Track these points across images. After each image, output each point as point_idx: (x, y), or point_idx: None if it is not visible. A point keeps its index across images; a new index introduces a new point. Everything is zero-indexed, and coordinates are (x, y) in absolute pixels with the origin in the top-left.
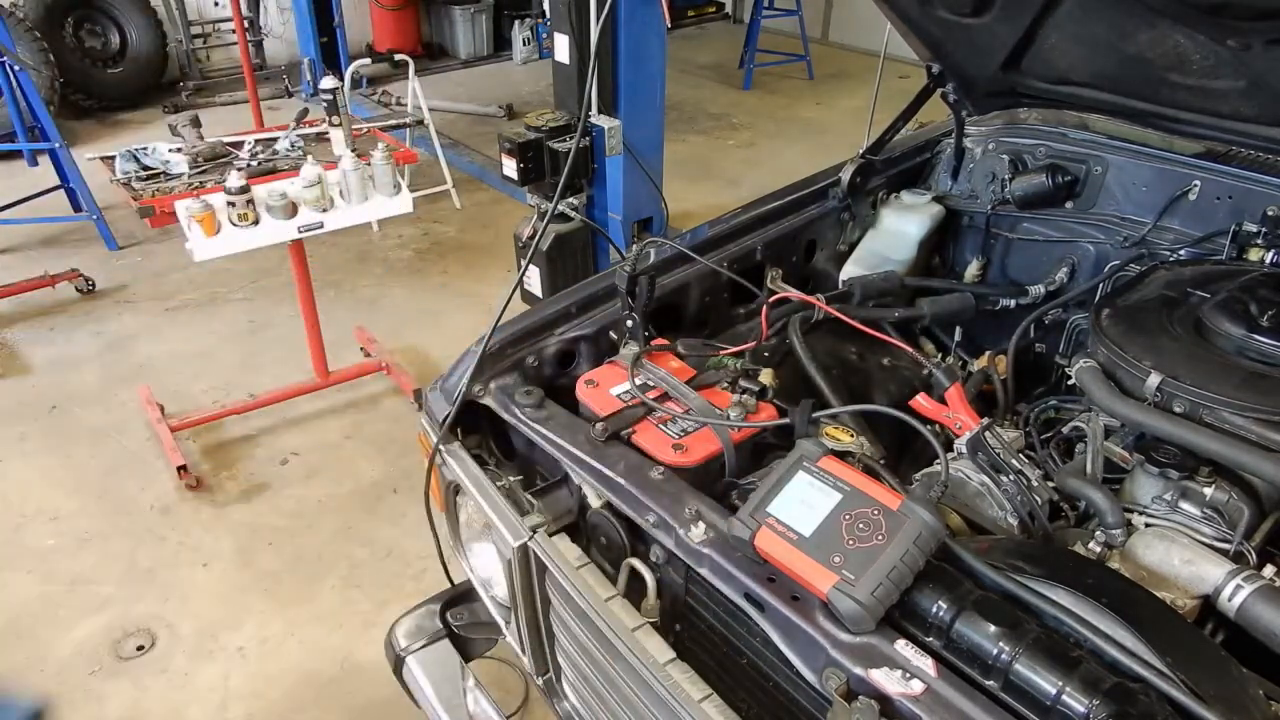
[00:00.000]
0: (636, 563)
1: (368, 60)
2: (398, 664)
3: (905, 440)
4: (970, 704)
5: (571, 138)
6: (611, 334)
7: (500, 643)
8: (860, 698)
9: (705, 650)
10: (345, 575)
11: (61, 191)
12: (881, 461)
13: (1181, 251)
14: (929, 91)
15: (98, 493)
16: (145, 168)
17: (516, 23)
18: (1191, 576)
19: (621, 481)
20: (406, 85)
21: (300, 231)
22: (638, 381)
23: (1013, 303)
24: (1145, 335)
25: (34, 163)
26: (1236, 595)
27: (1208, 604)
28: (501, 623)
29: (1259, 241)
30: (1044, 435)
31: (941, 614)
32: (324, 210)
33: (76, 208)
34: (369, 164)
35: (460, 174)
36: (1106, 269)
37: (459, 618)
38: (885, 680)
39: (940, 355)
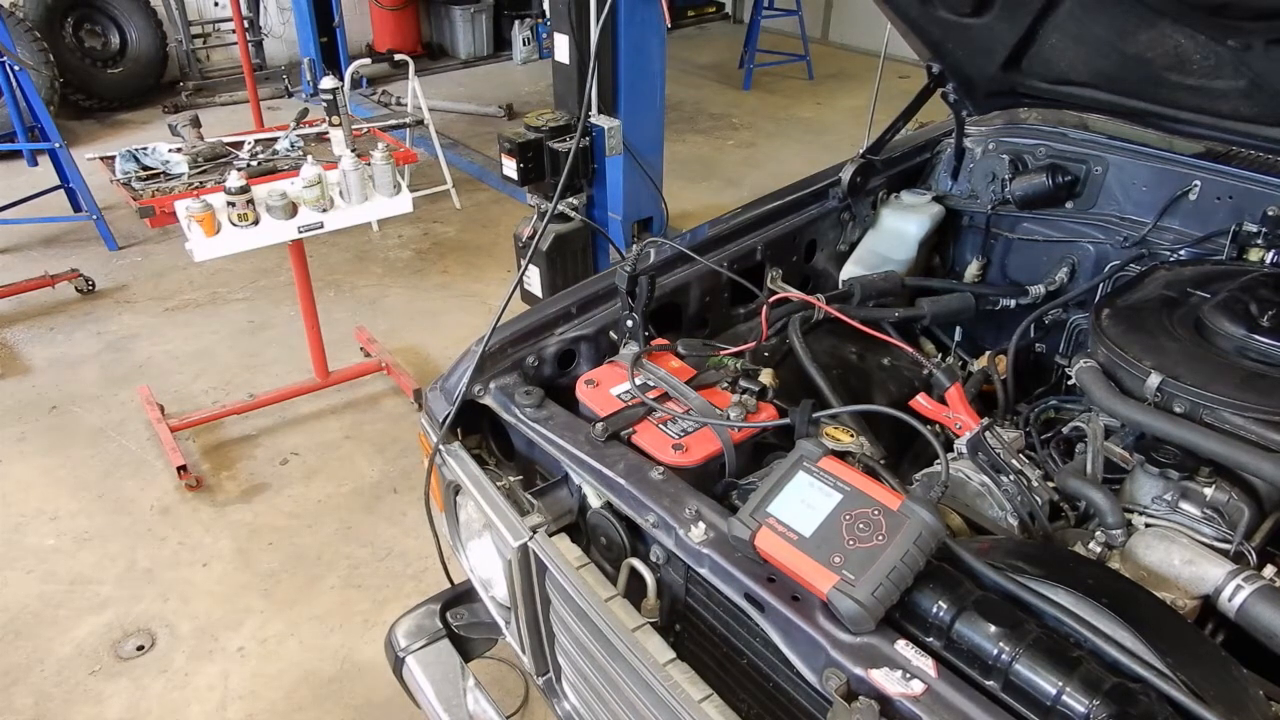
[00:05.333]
0: (636, 563)
1: (368, 60)
2: (397, 664)
3: (905, 440)
4: (970, 704)
5: (571, 138)
6: (611, 334)
7: (500, 643)
8: (860, 698)
9: (705, 650)
10: (345, 575)
11: (61, 191)
12: (882, 462)
13: (1181, 251)
14: (929, 91)
15: (97, 493)
16: (145, 168)
17: (516, 23)
18: (1192, 577)
19: (621, 481)
20: (406, 85)
21: (300, 231)
22: (638, 381)
23: (1013, 303)
24: (1145, 335)
25: (34, 163)
26: (1237, 595)
27: (1208, 604)
28: (501, 623)
29: (1259, 242)
30: (1044, 435)
31: (942, 614)
32: (324, 210)
33: (76, 208)
34: (369, 164)
35: (460, 174)
36: (1107, 269)
37: (459, 618)
38: (885, 680)
39: (940, 355)
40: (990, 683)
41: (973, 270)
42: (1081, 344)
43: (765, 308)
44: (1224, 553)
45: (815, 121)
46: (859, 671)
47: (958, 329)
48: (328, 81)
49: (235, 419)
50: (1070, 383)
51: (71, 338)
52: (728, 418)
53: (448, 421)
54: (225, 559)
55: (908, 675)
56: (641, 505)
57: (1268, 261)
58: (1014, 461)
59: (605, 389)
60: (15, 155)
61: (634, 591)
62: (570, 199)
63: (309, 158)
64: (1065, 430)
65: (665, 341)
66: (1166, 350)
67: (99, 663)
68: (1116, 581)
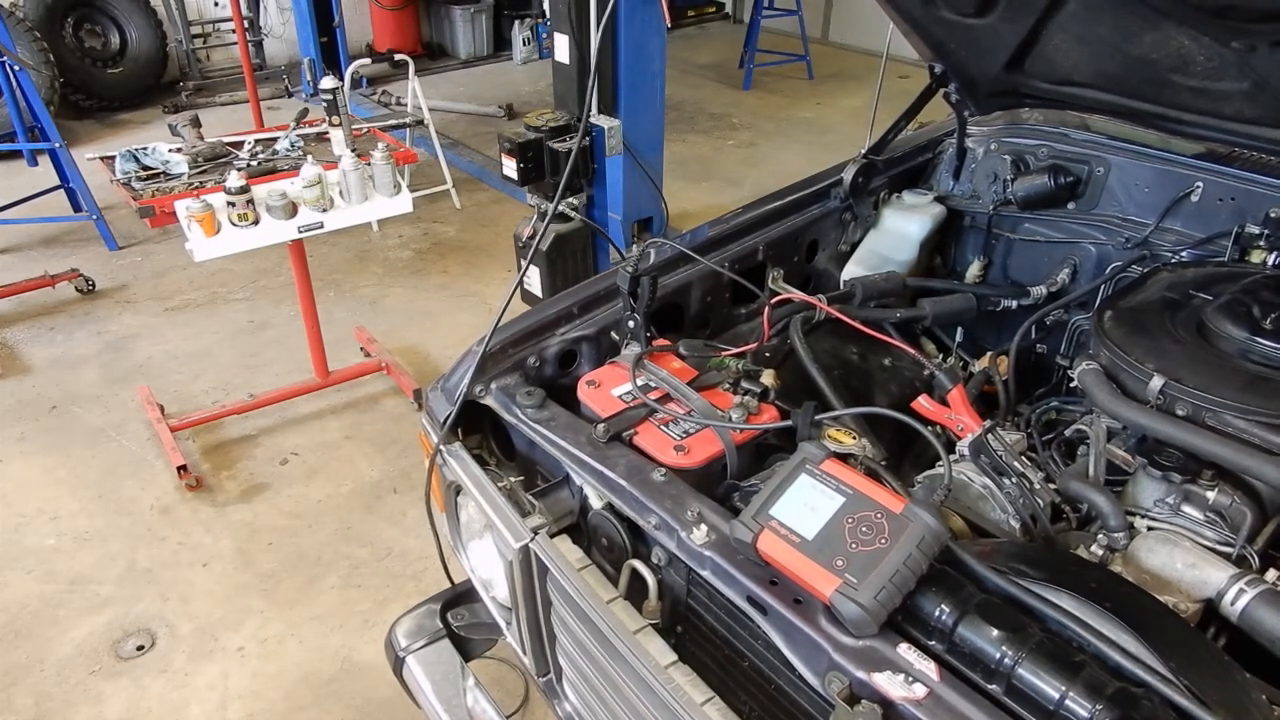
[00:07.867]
0: (638, 564)
1: (368, 60)
2: (398, 664)
3: (906, 441)
4: (973, 708)
5: (572, 138)
6: (613, 334)
7: (500, 643)
8: (863, 701)
9: (707, 653)
10: (345, 575)
11: (61, 191)
12: (883, 464)
13: (1184, 253)
14: (931, 91)
15: (97, 492)
16: (145, 168)
17: (516, 23)
18: (1194, 580)
19: (623, 483)
20: (406, 85)
21: (300, 231)
22: (639, 382)
23: (1014, 303)
24: (1148, 337)
25: (34, 163)
26: (1239, 599)
27: (1210, 608)
28: (502, 623)
29: (1261, 243)
30: (1045, 437)
31: (944, 618)
32: (324, 210)
33: (76, 208)
34: (369, 164)
35: (460, 174)
36: (1108, 270)
37: (459, 618)
38: (888, 684)
39: (941, 356)
40: (993, 687)
41: (974, 271)
42: (1083, 345)
43: (767, 308)
44: (1226, 556)
45: (815, 121)
46: (861, 675)
47: (959, 330)
48: (328, 81)
49: (235, 419)
50: (1072, 384)
51: (71, 338)
52: (729, 419)
53: (449, 421)
54: (225, 559)
55: (910, 679)
56: (643, 507)
57: (1270, 264)
58: (1016, 464)
59: (607, 390)
60: (15, 155)
61: (635, 593)
62: (570, 199)
63: (309, 158)
64: (1067, 432)
65: (667, 342)
66: (1169, 353)
67: (99, 663)
68: (1119, 585)
